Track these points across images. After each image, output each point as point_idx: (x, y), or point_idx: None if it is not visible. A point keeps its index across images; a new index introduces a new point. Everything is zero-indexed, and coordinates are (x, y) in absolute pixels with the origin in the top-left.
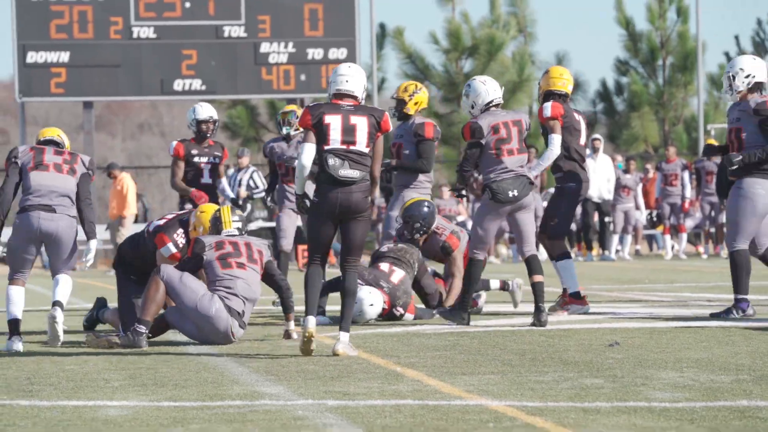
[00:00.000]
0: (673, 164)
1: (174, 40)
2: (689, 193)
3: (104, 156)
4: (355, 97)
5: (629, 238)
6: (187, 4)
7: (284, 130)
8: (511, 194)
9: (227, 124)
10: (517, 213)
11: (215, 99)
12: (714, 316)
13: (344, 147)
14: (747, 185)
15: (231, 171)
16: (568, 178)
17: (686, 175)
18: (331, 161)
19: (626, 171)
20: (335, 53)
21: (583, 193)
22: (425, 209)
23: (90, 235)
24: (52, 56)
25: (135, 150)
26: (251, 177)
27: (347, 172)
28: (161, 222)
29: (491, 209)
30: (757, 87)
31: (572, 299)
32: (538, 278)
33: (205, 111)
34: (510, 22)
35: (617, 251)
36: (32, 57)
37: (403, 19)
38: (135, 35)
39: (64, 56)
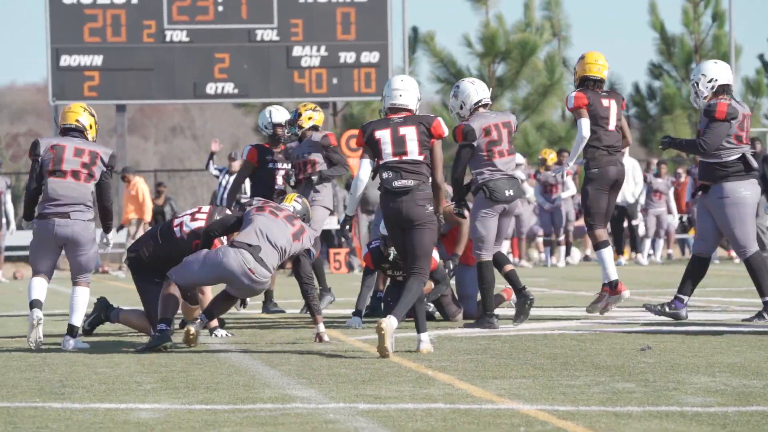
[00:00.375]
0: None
1: (207, 43)
2: None
3: (137, 159)
4: (409, 110)
5: (661, 242)
6: (220, 8)
7: (294, 131)
8: (507, 193)
9: (259, 128)
10: (503, 216)
11: (247, 102)
12: (746, 321)
13: (396, 159)
14: (730, 191)
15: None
16: (591, 165)
17: None
18: (386, 174)
19: (658, 175)
20: (367, 57)
21: (610, 177)
22: None
23: (108, 230)
24: (85, 60)
25: (167, 153)
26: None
27: (401, 182)
28: (199, 223)
29: (488, 208)
30: (722, 90)
31: (606, 288)
32: (508, 267)
33: (281, 114)
34: (544, 25)
35: (649, 255)
36: (66, 60)
37: (436, 22)
38: (168, 39)
39: (98, 60)
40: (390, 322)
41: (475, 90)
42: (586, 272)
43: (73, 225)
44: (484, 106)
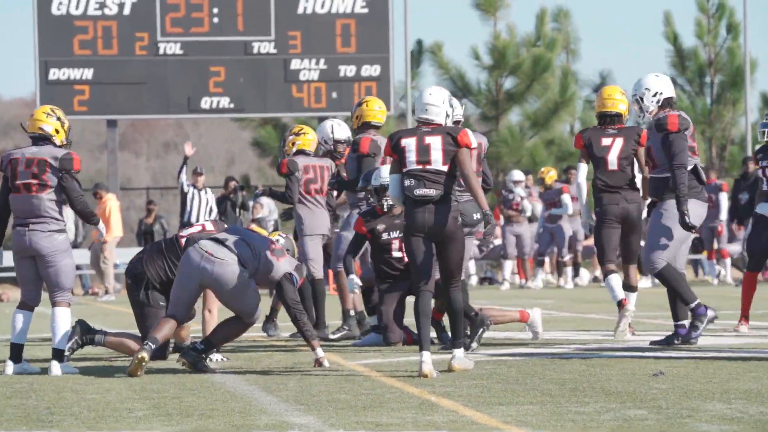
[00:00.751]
0: (709, 186)
1: (201, 56)
2: (724, 215)
3: (128, 176)
4: (438, 124)
5: None
6: (215, 20)
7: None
8: (475, 216)
9: (258, 142)
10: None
11: (244, 117)
12: (684, 340)
13: (420, 167)
14: (670, 206)
15: (189, 190)
16: (595, 203)
17: (722, 197)
18: (407, 182)
19: None
20: (368, 70)
21: (615, 214)
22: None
23: (95, 222)
24: (75, 73)
25: (160, 170)
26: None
27: (423, 191)
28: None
29: None
30: (667, 103)
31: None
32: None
33: (343, 131)
34: (556, 39)
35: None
36: (55, 74)
37: (441, 34)
38: (161, 51)
39: (88, 73)
40: (458, 355)
41: (457, 104)
42: (596, 294)
43: (31, 235)
44: (456, 123)
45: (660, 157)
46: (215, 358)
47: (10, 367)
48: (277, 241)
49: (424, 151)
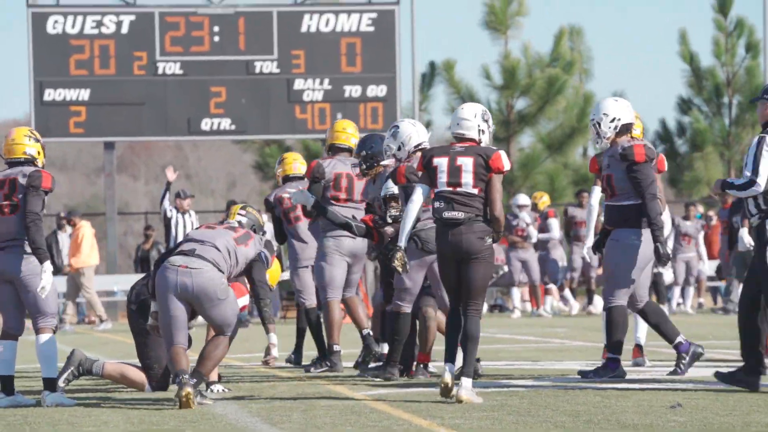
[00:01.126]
0: (725, 210)
1: (202, 76)
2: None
3: (126, 200)
4: (471, 139)
5: (691, 290)
6: (216, 38)
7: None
8: None
9: (260, 166)
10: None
11: (245, 139)
12: (582, 375)
13: (450, 189)
14: (624, 236)
15: (171, 213)
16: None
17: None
18: (437, 204)
19: (686, 218)
20: (374, 90)
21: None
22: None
23: (38, 256)
24: (71, 94)
25: (159, 193)
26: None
27: (451, 213)
28: None
29: (418, 259)
30: (625, 129)
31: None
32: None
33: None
34: (574, 59)
35: (678, 304)
36: (50, 94)
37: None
38: (160, 71)
39: (84, 94)
40: (466, 386)
41: (417, 132)
42: None
43: (5, 258)
44: (422, 149)
45: (621, 186)
46: (216, 389)
47: (3, 400)
48: (239, 223)
49: (455, 172)
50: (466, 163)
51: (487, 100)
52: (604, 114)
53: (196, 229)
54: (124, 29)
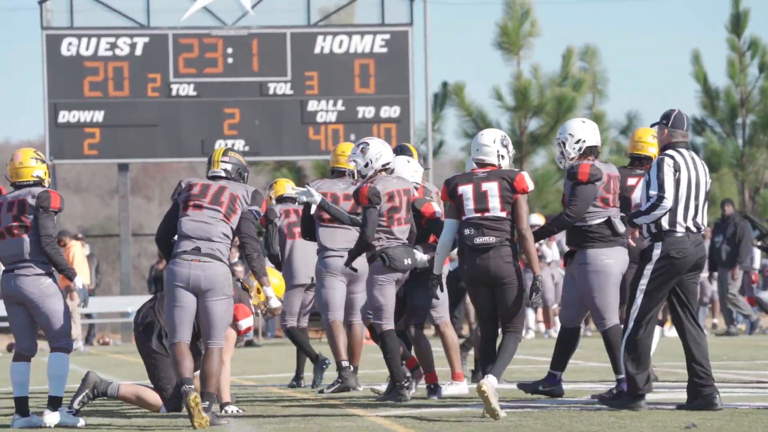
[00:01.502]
0: None
1: (215, 97)
2: (757, 263)
3: (139, 222)
4: (491, 164)
5: (705, 310)
6: (230, 60)
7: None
8: (406, 262)
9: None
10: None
11: (259, 161)
12: (600, 399)
13: (478, 215)
14: (592, 258)
15: None
16: None
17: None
18: (467, 231)
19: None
20: (387, 111)
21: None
22: None
23: (67, 276)
24: (85, 116)
25: None
26: None
27: (482, 239)
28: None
29: (384, 275)
30: (590, 151)
31: None
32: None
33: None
34: (583, 79)
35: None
36: (64, 116)
37: (463, 74)
38: (174, 93)
39: (98, 116)
40: (490, 382)
41: (387, 151)
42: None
43: (17, 280)
44: (389, 170)
45: None
46: (230, 410)
47: (18, 421)
48: (225, 171)
49: (481, 198)
50: (492, 187)
51: (497, 121)
52: (570, 134)
53: (186, 215)
54: (138, 51)
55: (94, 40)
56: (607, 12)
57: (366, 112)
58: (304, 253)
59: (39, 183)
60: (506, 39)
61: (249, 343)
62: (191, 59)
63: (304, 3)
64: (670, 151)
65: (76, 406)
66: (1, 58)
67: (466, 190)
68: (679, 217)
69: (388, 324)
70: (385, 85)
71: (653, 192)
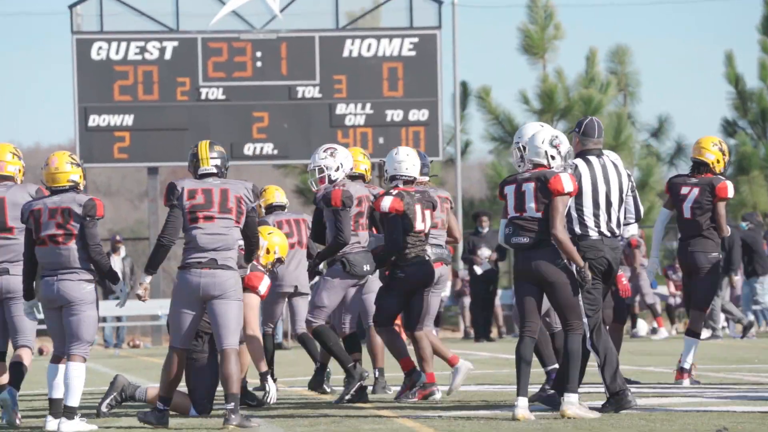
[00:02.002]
0: None
1: (244, 101)
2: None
3: None
4: (541, 164)
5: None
6: (259, 64)
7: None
8: (365, 268)
9: (301, 191)
10: (354, 289)
11: (288, 164)
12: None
13: (518, 214)
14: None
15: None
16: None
17: None
18: (506, 230)
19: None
20: (416, 115)
21: (684, 263)
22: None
23: (112, 281)
24: (115, 119)
25: None
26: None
27: (517, 239)
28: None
29: (341, 280)
30: None
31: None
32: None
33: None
34: (609, 81)
35: (723, 328)
36: (94, 120)
37: (490, 77)
38: (203, 96)
39: (128, 119)
40: (571, 401)
41: (351, 157)
42: (653, 346)
43: (60, 284)
44: (352, 177)
45: None
46: (269, 381)
47: (51, 422)
48: (216, 167)
49: (520, 198)
50: (529, 188)
51: (525, 124)
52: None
53: (197, 226)
54: (168, 55)
55: (123, 44)
56: (638, 14)
57: (394, 115)
58: (288, 262)
59: (75, 187)
60: (530, 43)
61: (278, 346)
62: (220, 63)
63: (332, 6)
64: (576, 160)
65: (104, 409)
66: (32, 62)
67: (510, 190)
68: (589, 223)
69: (319, 322)
70: (414, 89)
71: None
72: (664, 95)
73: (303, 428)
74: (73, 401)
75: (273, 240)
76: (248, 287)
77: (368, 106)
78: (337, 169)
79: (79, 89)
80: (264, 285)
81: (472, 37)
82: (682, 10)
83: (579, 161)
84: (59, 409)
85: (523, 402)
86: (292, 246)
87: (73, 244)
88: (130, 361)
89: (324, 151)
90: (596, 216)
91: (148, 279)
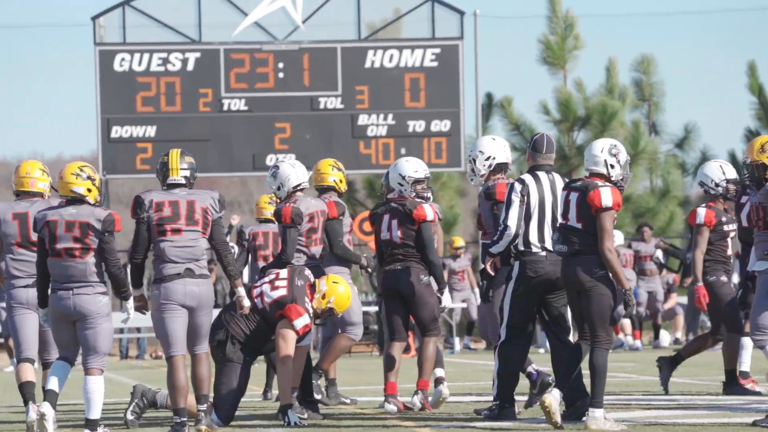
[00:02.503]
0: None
1: (266, 112)
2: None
3: None
4: (600, 174)
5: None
6: (281, 75)
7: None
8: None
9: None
10: None
11: (309, 175)
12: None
13: (564, 222)
14: (499, 276)
15: None
16: None
17: None
18: (555, 236)
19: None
20: (438, 125)
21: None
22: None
23: (125, 296)
24: (137, 131)
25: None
26: None
27: (559, 247)
28: (280, 291)
29: None
30: (500, 168)
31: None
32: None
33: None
34: (627, 90)
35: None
36: (117, 132)
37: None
38: (225, 108)
39: (151, 131)
40: (595, 416)
41: (296, 173)
42: None
43: (76, 299)
44: (301, 190)
45: (488, 222)
46: (292, 414)
47: (32, 413)
48: (185, 179)
49: (566, 206)
50: (574, 197)
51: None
52: (480, 151)
53: (165, 239)
54: (190, 66)
55: (146, 56)
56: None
57: (416, 126)
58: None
59: (79, 200)
60: (551, 54)
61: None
62: (242, 74)
63: (354, 17)
64: (523, 176)
65: (129, 416)
66: (55, 73)
67: (563, 196)
68: (533, 238)
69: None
70: (436, 99)
71: (501, 220)
72: (686, 105)
73: None
74: (95, 414)
75: (336, 289)
76: (285, 316)
77: (390, 116)
78: (279, 188)
79: (101, 100)
80: (301, 322)
81: (493, 47)
82: (703, 20)
83: (527, 176)
84: (53, 400)
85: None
86: (266, 258)
87: (90, 258)
88: (152, 372)
89: (269, 171)
90: (540, 230)
91: (139, 293)
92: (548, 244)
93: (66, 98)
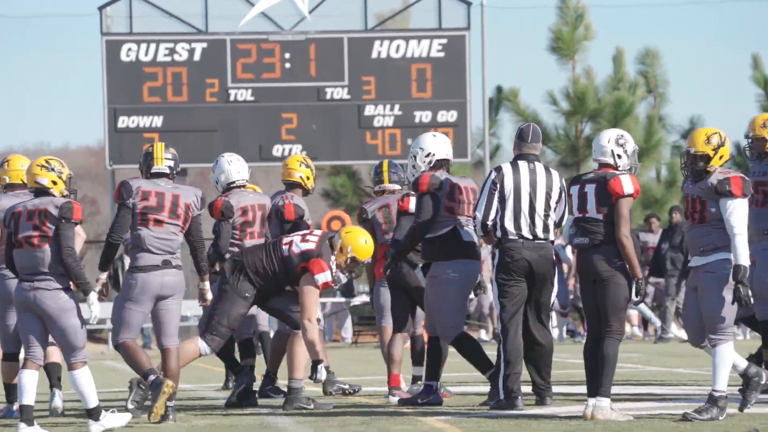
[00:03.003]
0: (654, 236)
1: (273, 102)
2: None
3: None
4: (608, 164)
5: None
6: (287, 65)
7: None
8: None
9: (328, 192)
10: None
11: (316, 165)
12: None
13: (581, 215)
14: (438, 271)
15: None
16: None
17: None
18: (572, 230)
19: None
20: (444, 116)
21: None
22: None
23: (83, 289)
24: (144, 121)
25: None
26: None
27: (579, 239)
28: (309, 245)
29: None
30: (440, 164)
31: None
32: None
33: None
34: (637, 82)
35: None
36: (123, 122)
37: (519, 79)
38: (232, 98)
39: (157, 121)
40: (602, 406)
41: (230, 170)
42: (683, 348)
43: (35, 293)
44: (240, 187)
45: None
46: (321, 369)
47: (24, 430)
48: (170, 168)
49: (582, 198)
50: (591, 188)
51: (554, 125)
52: (420, 148)
53: (147, 228)
54: (197, 56)
55: (153, 46)
56: (665, 15)
57: (423, 116)
58: None
59: (44, 191)
60: (561, 44)
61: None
62: (249, 64)
63: (361, 8)
64: (502, 164)
65: (130, 405)
66: (62, 63)
67: (574, 190)
68: (508, 225)
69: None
70: (442, 90)
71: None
72: (691, 97)
73: (333, 429)
74: (92, 403)
75: (349, 238)
76: (308, 269)
77: (397, 107)
78: (216, 182)
79: (108, 90)
80: (322, 278)
81: (500, 38)
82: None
83: (505, 164)
84: (29, 415)
85: (606, 402)
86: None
87: (47, 247)
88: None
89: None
90: (516, 218)
91: (104, 275)
92: (525, 232)
93: (73, 88)
